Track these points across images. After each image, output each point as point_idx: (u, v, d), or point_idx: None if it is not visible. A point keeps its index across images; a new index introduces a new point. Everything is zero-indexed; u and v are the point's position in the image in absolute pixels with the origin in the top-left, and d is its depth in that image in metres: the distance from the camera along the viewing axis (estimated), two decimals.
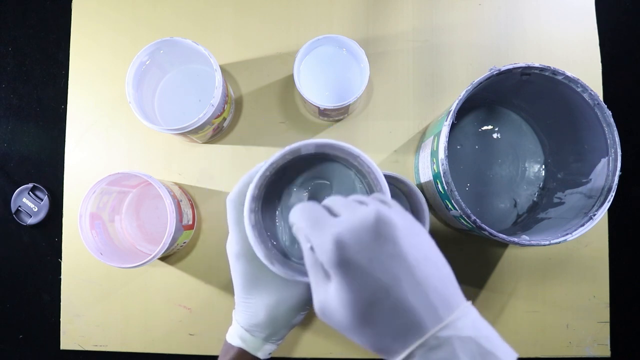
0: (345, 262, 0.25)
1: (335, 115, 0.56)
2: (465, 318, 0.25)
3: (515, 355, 0.25)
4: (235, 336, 0.35)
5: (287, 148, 0.32)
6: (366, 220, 0.25)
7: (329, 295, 0.26)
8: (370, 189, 0.36)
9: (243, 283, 0.34)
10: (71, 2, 0.61)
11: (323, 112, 0.54)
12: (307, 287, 0.34)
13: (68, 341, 0.57)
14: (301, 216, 0.28)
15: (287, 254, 0.37)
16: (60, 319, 0.58)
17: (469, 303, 0.26)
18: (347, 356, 0.56)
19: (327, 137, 0.58)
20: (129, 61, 0.50)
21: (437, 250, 0.27)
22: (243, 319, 0.35)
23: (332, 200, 0.29)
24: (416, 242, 0.26)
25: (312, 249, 0.27)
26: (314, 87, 0.54)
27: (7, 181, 0.61)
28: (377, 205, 0.26)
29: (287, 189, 0.39)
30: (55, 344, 0.58)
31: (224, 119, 0.55)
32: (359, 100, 0.54)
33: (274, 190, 0.38)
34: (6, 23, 0.63)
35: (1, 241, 0.61)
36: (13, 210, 0.60)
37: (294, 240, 0.38)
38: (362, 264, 0.24)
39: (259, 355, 0.35)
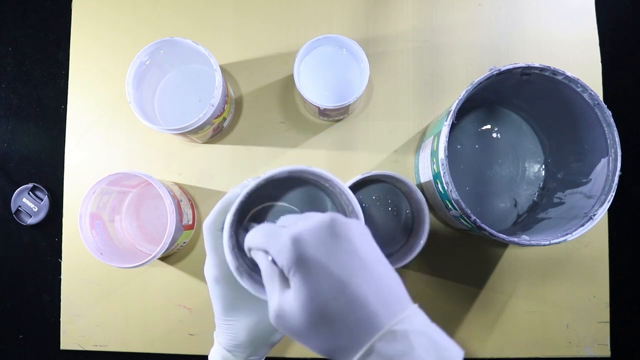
0: (303, 259, 0.26)
1: (335, 115, 0.56)
2: (417, 316, 0.26)
3: (462, 352, 0.26)
4: (218, 357, 0.36)
5: (264, 176, 0.33)
6: (322, 221, 0.27)
7: (286, 300, 0.27)
8: (342, 209, 0.37)
9: (223, 305, 0.35)
10: (71, 2, 0.61)
11: (323, 112, 0.54)
12: None
13: (68, 341, 0.57)
14: (257, 233, 0.30)
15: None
16: (60, 319, 0.58)
17: (416, 305, 0.27)
18: None
19: (326, 138, 0.59)
20: (129, 61, 0.50)
21: (385, 257, 0.28)
22: (224, 340, 0.36)
23: (285, 218, 0.31)
24: (369, 243, 0.28)
25: (273, 261, 0.28)
26: (314, 87, 0.54)
27: (7, 181, 0.61)
28: (333, 213, 0.28)
29: (262, 213, 0.40)
30: (55, 344, 0.58)
31: (224, 119, 0.55)
32: (359, 100, 0.54)
33: (249, 214, 0.39)
34: (6, 23, 0.63)
35: (1, 241, 0.61)
36: (13, 210, 0.60)
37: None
38: (319, 259, 0.25)
39: None
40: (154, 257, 0.48)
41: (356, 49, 0.52)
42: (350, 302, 0.25)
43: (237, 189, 0.34)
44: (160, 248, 0.48)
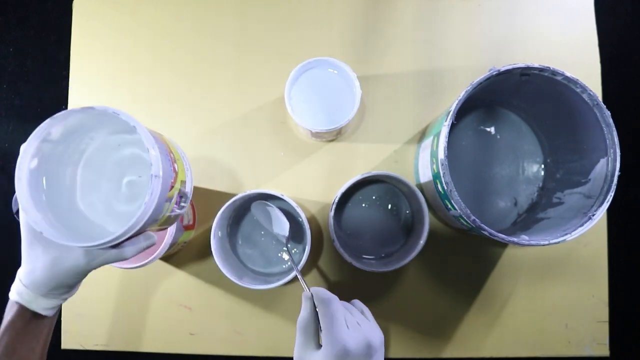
0: (344, 355, 0.36)
1: (327, 137, 0.56)
2: None
3: None
4: (14, 291, 0.38)
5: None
6: (365, 343, 0.37)
7: (316, 354, 0.36)
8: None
9: (27, 236, 0.39)
10: (72, 3, 0.61)
11: (315, 134, 0.54)
12: (82, 254, 0.38)
13: (69, 340, 0.58)
14: (329, 310, 0.38)
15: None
16: (62, 319, 0.58)
17: None
18: None
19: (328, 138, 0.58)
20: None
21: None
22: (23, 272, 0.38)
23: (346, 314, 0.39)
24: None
25: (315, 312, 0.38)
26: (306, 110, 0.53)
27: (8, 181, 0.61)
28: (371, 333, 0.38)
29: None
30: (56, 343, 0.58)
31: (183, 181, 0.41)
32: (352, 120, 0.54)
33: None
34: (8, 24, 0.63)
35: (2, 241, 0.61)
36: (14, 210, 0.60)
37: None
38: None
39: (35, 308, 0.38)
40: (154, 257, 0.49)
41: (347, 71, 0.52)
42: None
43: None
44: (161, 248, 0.48)
